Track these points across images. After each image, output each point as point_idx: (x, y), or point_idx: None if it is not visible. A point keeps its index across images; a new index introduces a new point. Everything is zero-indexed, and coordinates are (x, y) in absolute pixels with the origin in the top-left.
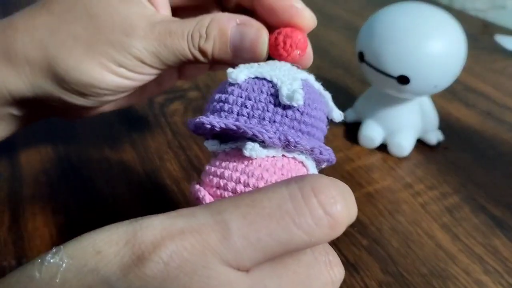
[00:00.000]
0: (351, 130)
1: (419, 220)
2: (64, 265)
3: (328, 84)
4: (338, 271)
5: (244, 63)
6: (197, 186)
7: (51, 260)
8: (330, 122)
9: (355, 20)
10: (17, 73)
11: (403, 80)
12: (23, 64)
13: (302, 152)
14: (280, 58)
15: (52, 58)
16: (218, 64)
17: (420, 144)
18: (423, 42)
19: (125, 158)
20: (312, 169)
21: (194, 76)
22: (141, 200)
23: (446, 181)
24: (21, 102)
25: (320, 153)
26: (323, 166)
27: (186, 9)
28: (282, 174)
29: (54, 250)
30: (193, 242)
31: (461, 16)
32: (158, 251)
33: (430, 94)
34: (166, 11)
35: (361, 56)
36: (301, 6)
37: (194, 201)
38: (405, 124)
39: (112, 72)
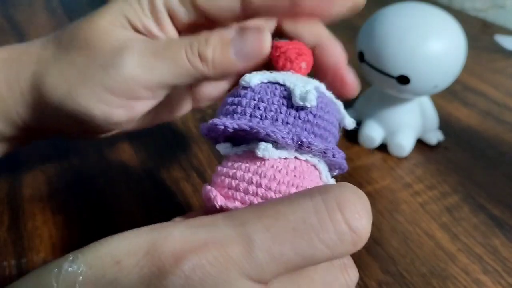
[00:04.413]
0: (351, 130)
1: (418, 220)
2: (82, 275)
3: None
4: (353, 274)
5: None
6: (209, 187)
7: (69, 269)
8: None
9: (355, 20)
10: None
11: (403, 80)
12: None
13: (314, 155)
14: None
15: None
16: (225, 78)
17: (420, 144)
18: (423, 42)
19: (124, 157)
20: (325, 172)
21: (209, 100)
22: (140, 199)
23: (445, 181)
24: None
25: (333, 156)
26: (335, 173)
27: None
28: (295, 176)
29: (71, 258)
30: (216, 255)
31: (461, 16)
32: (179, 264)
33: (430, 94)
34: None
35: (361, 56)
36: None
37: (205, 202)
38: (405, 124)
39: (103, 102)
